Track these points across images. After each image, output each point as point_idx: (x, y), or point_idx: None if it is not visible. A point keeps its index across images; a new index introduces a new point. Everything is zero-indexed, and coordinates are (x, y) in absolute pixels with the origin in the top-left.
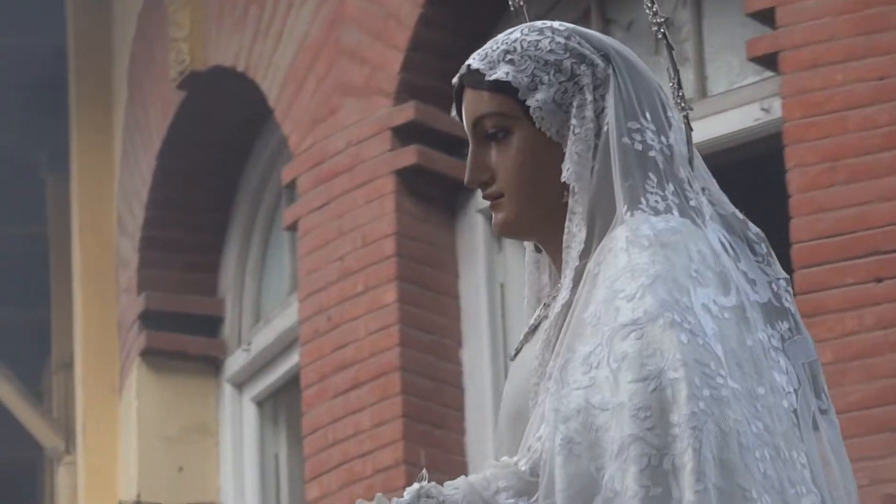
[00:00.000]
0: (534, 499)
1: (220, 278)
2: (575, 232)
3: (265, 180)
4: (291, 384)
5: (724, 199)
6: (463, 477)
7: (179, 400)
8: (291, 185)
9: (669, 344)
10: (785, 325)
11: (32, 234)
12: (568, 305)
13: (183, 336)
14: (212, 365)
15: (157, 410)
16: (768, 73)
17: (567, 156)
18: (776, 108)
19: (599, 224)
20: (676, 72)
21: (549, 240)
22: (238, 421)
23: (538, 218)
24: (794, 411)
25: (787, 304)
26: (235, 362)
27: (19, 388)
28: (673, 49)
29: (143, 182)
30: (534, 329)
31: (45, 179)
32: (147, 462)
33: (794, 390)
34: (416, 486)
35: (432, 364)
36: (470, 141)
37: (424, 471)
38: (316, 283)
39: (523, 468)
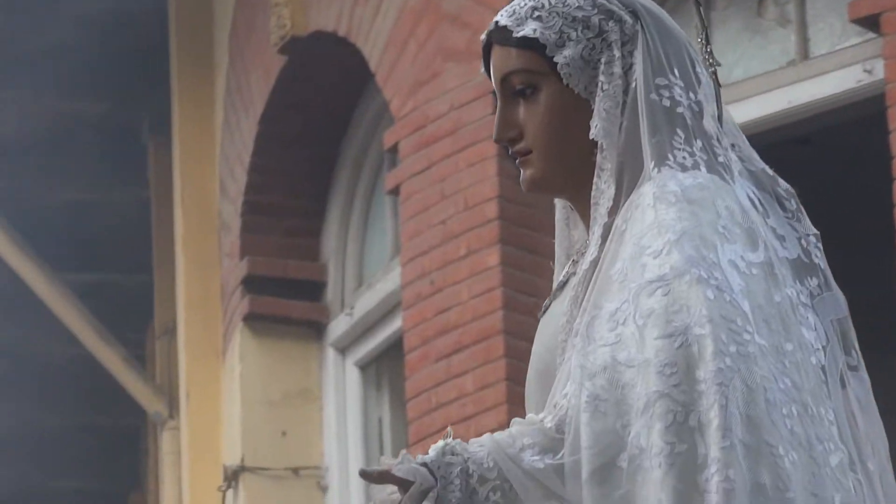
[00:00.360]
0: (559, 455)
1: (322, 243)
2: (603, 189)
3: (367, 145)
4: (394, 348)
5: (754, 155)
6: (488, 434)
7: (282, 364)
8: (393, 149)
9: (696, 300)
10: (814, 282)
11: (134, 199)
12: (595, 262)
13: (286, 301)
14: (314, 329)
15: (260, 375)
16: (871, 35)
17: (595, 112)
18: (878, 70)
19: (628, 180)
20: (705, 28)
21: (578, 196)
22: (341, 385)
23: (566, 174)
24: (822, 368)
25: (816, 261)
26: (338, 327)
27: (122, 353)
28: (700, 4)
29: (244, 147)
30: (562, 286)
31: (146, 145)
32: (250, 427)
33: (823, 347)
34: (441, 442)
35: (535, 327)
36: (498, 98)
37: (450, 428)
38: (418, 246)
39: (549, 425)
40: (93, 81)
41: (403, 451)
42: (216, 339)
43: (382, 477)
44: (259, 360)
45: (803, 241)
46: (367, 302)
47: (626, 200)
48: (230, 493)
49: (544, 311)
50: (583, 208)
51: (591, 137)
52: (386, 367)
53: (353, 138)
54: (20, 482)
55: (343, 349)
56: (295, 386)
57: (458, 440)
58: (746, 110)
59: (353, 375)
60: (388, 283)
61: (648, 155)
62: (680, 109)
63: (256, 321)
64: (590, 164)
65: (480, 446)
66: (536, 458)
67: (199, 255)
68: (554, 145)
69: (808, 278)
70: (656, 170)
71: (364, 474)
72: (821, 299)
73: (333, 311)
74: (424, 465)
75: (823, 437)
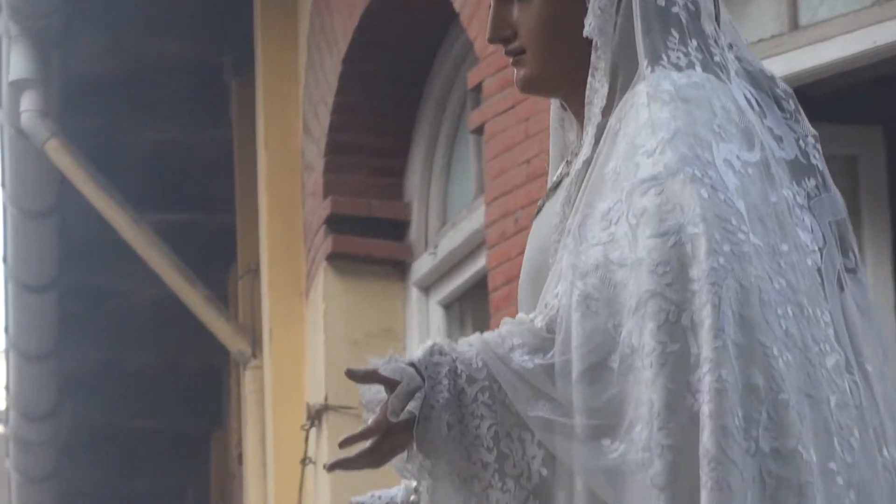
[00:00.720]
0: (549, 355)
1: (406, 182)
2: (597, 87)
3: (450, 84)
4: (478, 287)
5: (752, 55)
6: (478, 334)
7: (366, 304)
8: (477, 88)
9: (689, 199)
10: (812, 183)
11: (217, 139)
12: (588, 162)
13: (369, 240)
14: (398, 269)
15: (344, 314)
16: None
17: (590, 10)
18: None
19: (622, 80)
20: None
21: (573, 96)
22: (425, 324)
23: (561, 73)
24: (819, 270)
25: (814, 162)
26: (422, 266)
27: (206, 293)
28: None
29: (328, 86)
30: (556, 186)
31: (229, 85)
32: (334, 366)
33: (819, 248)
34: (429, 342)
35: None
36: None
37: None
38: (502, 186)
39: (539, 325)
40: (176, 21)
41: (391, 352)
42: (299, 278)
43: (369, 377)
44: (342, 299)
45: (801, 142)
46: (450, 241)
47: (620, 100)
48: (313, 431)
49: (538, 213)
50: (577, 108)
51: (584, 35)
52: (469, 306)
53: (436, 77)
54: (105, 422)
55: (427, 288)
56: (378, 325)
57: (447, 340)
58: (830, 50)
59: (436, 314)
60: (471, 222)
61: (642, 54)
62: (675, 9)
63: (340, 260)
64: (584, 64)
65: (469, 346)
66: (526, 357)
67: (282, 195)
68: (548, 44)
69: (806, 179)
70: (650, 69)
71: (350, 374)
72: (818, 200)
73: (417, 251)
74: (412, 364)
75: (819, 339)
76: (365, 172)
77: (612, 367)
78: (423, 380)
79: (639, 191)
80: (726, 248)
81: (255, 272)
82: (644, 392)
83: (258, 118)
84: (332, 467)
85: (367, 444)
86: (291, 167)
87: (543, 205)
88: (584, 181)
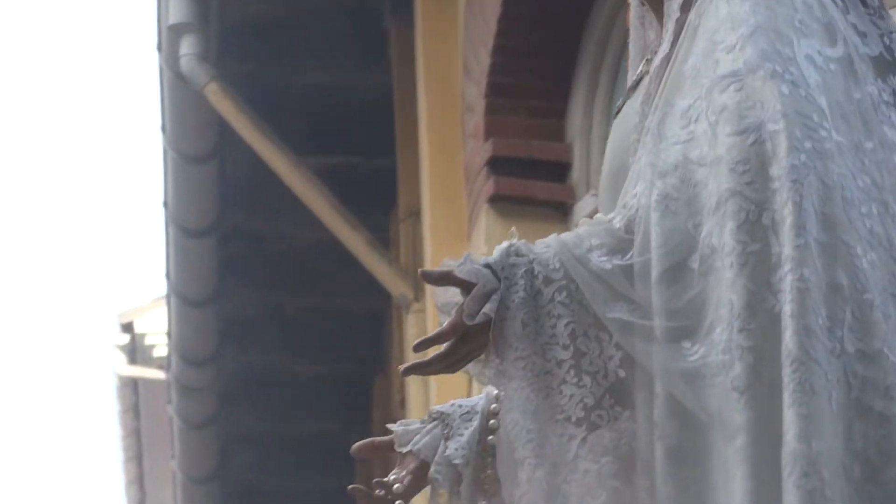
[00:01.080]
0: (628, 256)
1: (567, 123)
2: None
3: (611, 24)
4: None
5: None
6: (555, 234)
7: None
8: None
9: (770, 95)
10: None
11: (377, 81)
12: (668, 59)
13: (531, 182)
14: (560, 210)
15: None
16: None
17: None
18: None
19: None
20: None
21: None
22: None
23: None
24: None
25: None
26: (584, 207)
27: (367, 236)
28: None
29: (488, 28)
30: (636, 85)
31: (388, 28)
32: None
33: None
34: (505, 243)
35: None
36: None
37: (514, 228)
38: None
39: (617, 225)
40: None
41: (466, 253)
42: (461, 221)
43: (444, 278)
44: (504, 241)
45: (886, 38)
46: None
47: None
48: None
49: (617, 112)
50: (656, 5)
51: None
52: None
53: (597, 18)
54: (266, 367)
55: None
56: None
57: (524, 241)
58: None
59: None
60: None
61: None
62: None
63: (501, 203)
64: None
65: (547, 247)
66: (604, 258)
67: (442, 137)
68: None
69: (892, 76)
70: None
71: (425, 276)
72: None
73: (579, 192)
74: (488, 266)
75: None
76: (526, 113)
77: (692, 268)
78: (500, 281)
79: (718, 88)
80: (807, 145)
81: (416, 215)
82: (724, 293)
83: (417, 60)
84: (406, 371)
85: (442, 348)
86: (452, 109)
87: (623, 104)
88: (664, 79)
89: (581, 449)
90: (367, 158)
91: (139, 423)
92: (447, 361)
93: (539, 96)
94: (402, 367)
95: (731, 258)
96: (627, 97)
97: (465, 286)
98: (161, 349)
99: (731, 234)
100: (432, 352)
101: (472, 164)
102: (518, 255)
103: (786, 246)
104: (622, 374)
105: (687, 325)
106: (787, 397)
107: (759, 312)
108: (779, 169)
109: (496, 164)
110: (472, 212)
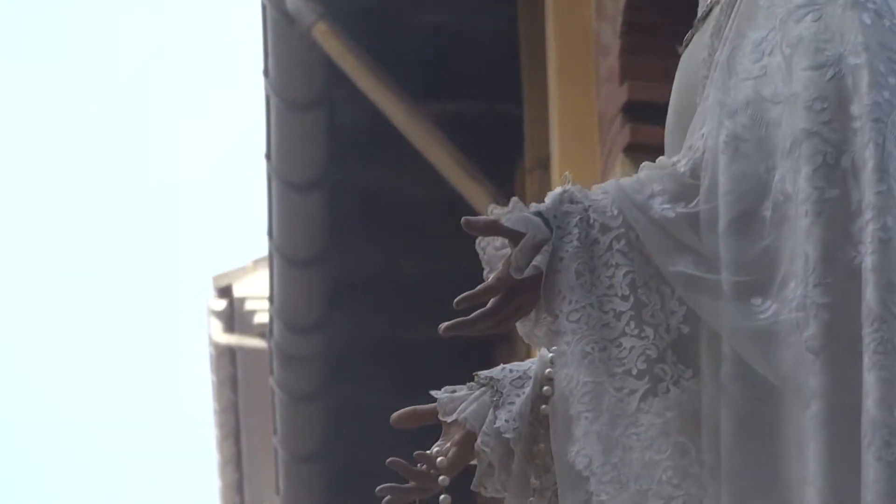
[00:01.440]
0: (693, 203)
1: None
2: None
3: None
4: None
5: None
6: (613, 179)
7: None
8: None
9: (850, 26)
10: None
11: (501, 21)
12: None
13: None
14: None
15: None
16: None
17: None
18: None
19: None
20: None
21: None
22: None
23: None
24: None
25: None
26: None
27: (491, 190)
28: None
29: None
30: (705, 17)
31: None
32: None
33: None
34: (559, 189)
35: None
36: None
37: (568, 173)
38: None
39: (682, 169)
40: None
41: (514, 199)
42: (594, 172)
43: (490, 227)
44: None
45: None
46: None
47: None
48: None
49: (685, 46)
50: None
51: None
52: None
53: None
54: (378, 333)
55: None
56: None
57: (579, 186)
58: None
59: None
60: None
61: None
62: None
63: (638, 152)
64: None
65: (604, 193)
66: (667, 206)
67: (573, 81)
68: None
69: None
70: None
71: (468, 224)
72: None
73: None
74: (538, 214)
75: None
76: (664, 55)
77: (764, 217)
78: (551, 230)
79: (794, 17)
80: (892, 80)
81: (545, 166)
82: (799, 244)
83: None
84: (447, 329)
85: (487, 304)
86: (584, 51)
87: (692, 37)
88: (735, 9)
89: (644, 403)
90: (490, 104)
91: (237, 397)
92: (493, 319)
93: (679, 36)
94: (441, 326)
95: (807, 206)
96: (696, 29)
97: (514, 236)
98: (262, 315)
99: (806, 179)
100: None
101: (605, 110)
102: (572, 201)
103: (867, 192)
104: (686, 330)
105: (757, 280)
106: (867, 359)
107: (836, 266)
108: (860, 107)
109: (632, 111)
110: (606, 163)
